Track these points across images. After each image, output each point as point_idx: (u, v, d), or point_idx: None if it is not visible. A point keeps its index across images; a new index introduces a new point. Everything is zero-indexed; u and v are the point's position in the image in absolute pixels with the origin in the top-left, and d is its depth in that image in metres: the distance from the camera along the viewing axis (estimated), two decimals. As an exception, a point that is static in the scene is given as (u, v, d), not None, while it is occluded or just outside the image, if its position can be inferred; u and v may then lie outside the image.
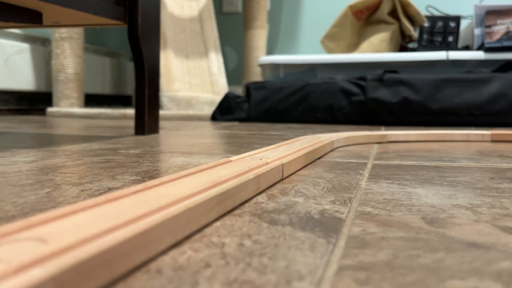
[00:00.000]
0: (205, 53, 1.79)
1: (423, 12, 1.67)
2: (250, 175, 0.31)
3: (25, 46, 1.61)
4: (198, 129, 1.01)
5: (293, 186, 0.35)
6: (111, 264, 0.16)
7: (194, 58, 1.75)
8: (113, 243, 0.17)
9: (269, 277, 0.17)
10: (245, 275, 0.18)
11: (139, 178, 0.39)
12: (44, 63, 1.69)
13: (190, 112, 1.45)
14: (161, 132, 0.90)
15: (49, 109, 1.53)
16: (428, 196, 0.33)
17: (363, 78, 1.25)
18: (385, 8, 1.58)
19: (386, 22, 1.60)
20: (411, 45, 1.70)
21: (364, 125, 1.19)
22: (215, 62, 1.78)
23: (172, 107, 1.57)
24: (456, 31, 1.58)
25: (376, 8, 1.63)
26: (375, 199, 0.31)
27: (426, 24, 1.59)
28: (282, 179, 0.38)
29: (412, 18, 1.59)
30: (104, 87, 2.05)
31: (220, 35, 2.08)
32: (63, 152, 0.56)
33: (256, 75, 1.87)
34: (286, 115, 1.30)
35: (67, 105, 1.59)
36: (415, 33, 1.60)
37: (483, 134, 0.76)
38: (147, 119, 0.84)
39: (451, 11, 1.82)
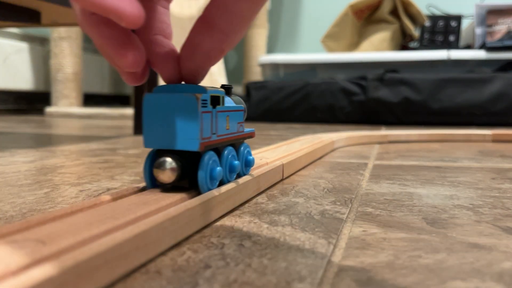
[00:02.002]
0: (205, 53, 1.79)
1: (424, 11, 1.67)
2: (250, 175, 0.31)
3: (24, 45, 1.61)
4: (198, 128, 1.01)
5: (293, 187, 0.35)
6: (110, 265, 0.16)
7: (194, 58, 1.75)
8: (112, 244, 0.16)
9: (269, 278, 0.17)
10: (245, 276, 0.17)
11: (138, 178, 0.39)
12: (42, 63, 1.69)
13: (190, 111, 1.45)
14: (161, 131, 0.90)
15: (48, 109, 1.53)
16: (429, 196, 0.32)
17: (363, 78, 1.25)
18: (386, 7, 1.58)
19: (387, 22, 1.60)
20: (412, 45, 1.70)
21: (365, 125, 1.19)
22: (215, 62, 1.78)
23: (172, 106, 1.57)
24: (457, 31, 1.58)
25: (376, 7, 1.63)
26: (376, 200, 0.31)
27: (427, 24, 1.59)
28: (282, 180, 0.38)
29: (413, 17, 1.59)
30: (102, 87, 2.05)
31: (220, 34, 2.08)
32: (61, 152, 0.56)
33: (256, 75, 1.87)
34: (286, 115, 1.30)
35: (66, 105, 1.59)
36: (416, 33, 1.60)
37: (484, 134, 0.75)
38: (147, 118, 0.83)
39: (452, 10, 1.82)
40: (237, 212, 0.27)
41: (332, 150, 0.60)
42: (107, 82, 2.08)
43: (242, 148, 0.30)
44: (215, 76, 1.76)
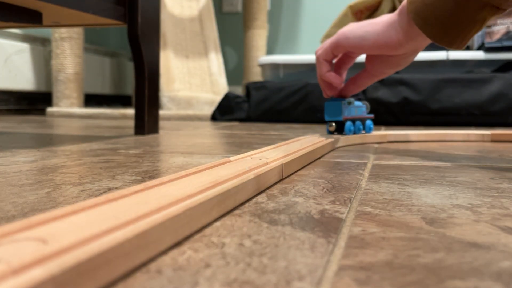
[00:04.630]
0: (205, 53, 1.79)
1: (423, 12, 1.67)
2: (250, 175, 0.31)
3: (25, 46, 1.62)
4: (198, 129, 1.01)
5: (293, 186, 0.35)
6: (111, 264, 0.16)
7: (194, 58, 1.75)
8: (113, 243, 0.17)
9: (269, 277, 0.17)
10: (245, 275, 0.18)
11: (139, 178, 0.39)
12: (44, 63, 1.69)
13: (190, 112, 1.45)
14: (161, 132, 0.90)
15: (49, 109, 1.53)
16: (428, 196, 0.33)
17: (363, 78, 1.25)
18: (385, 8, 1.58)
19: (386, 22, 1.60)
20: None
21: (364, 125, 1.19)
22: (215, 62, 1.78)
23: (172, 107, 1.57)
24: (456, 31, 1.57)
25: (376, 8, 1.63)
26: (375, 199, 0.31)
27: (426, 24, 1.59)
28: (282, 179, 0.38)
29: (412, 18, 1.59)
30: (104, 87, 2.05)
31: (220, 35, 2.08)
32: (63, 152, 0.56)
33: (256, 75, 1.87)
34: (286, 115, 1.30)
35: (67, 105, 1.59)
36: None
37: (483, 134, 0.76)
38: (147, 119, 0.84)
39: (451, 11, 1.82)
40: (237, 211, 0.27)
41: (332, 150, 0.60)
42: (108, 82, 2.08)
43: (368, 122, 0.72)
44: (215, 76, 1.76)
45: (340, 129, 0.67)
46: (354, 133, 0.68)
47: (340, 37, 0.58)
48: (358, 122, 0.69)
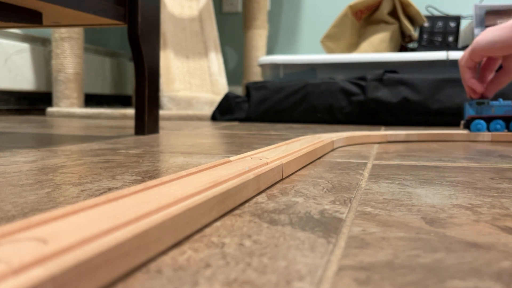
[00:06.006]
0: (205, 53, 1.79)
1: (423, 12, 1.67)
2: (250, 175, 0.31)
3: (25, 46, 1.62)
4: (198, 129, 1.01)
5: (293, 186, 0.35)
6: (111, 264, 0.16)
7: (194, 58, 1.75)
8: (113, 243, 0.17)
9: (269, 277, 0.17)
10: (245, 275, 0.18)
11: (139, 178, 0.39)
12: (44, 63, 1.69)
13: (190, 112, 1.45)
14: (161, 132, 0.90)
15: (49, 109, 1.53)
16: (428, 196, 0.33)
17: (363, 78, 1.25)
18: (385, 8, 1.58)
19: (386, 22, 1.60)
20: (411, 45, 1.70)
21: (364, 125, 1.19)
22: (215, 62, 1.78)
23: (172, 107, 1.57)
24: (456, 31, 1.58)
25: (376, 8, 1.63)
26: (375, 199, 0.31)
27: (426, 24, 1.59)
28: (282, 179, 0.38)
29: (412, 18, 1.59)
30: (104, 87, 2.05)
31: (220, 35, 2.08)
32: (63, 152, 0.56)
33: (256, 75, 1.87)
34: (286, 115, 1.30)
35: (67, 105, 1.59)
36: (415, 33, 1.60)
37: (483, 134, 0.76)
38: (147, 119, 0.84)
39: (451, 11, 1.82)
40: (237, 211, 0.27)
41: (332, 150, 0.60)
42: (108, 82, 2.08)
43: None
44: (215, 76, 1.76)
45: (469, 126, 0.76)
46: (489, 131, 0.75)
47: (474, 45, 0.69)
48: (496, 121, 0.74)
